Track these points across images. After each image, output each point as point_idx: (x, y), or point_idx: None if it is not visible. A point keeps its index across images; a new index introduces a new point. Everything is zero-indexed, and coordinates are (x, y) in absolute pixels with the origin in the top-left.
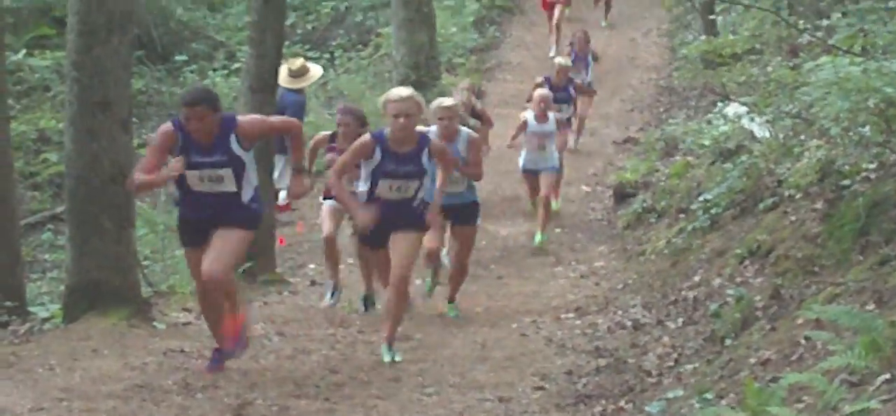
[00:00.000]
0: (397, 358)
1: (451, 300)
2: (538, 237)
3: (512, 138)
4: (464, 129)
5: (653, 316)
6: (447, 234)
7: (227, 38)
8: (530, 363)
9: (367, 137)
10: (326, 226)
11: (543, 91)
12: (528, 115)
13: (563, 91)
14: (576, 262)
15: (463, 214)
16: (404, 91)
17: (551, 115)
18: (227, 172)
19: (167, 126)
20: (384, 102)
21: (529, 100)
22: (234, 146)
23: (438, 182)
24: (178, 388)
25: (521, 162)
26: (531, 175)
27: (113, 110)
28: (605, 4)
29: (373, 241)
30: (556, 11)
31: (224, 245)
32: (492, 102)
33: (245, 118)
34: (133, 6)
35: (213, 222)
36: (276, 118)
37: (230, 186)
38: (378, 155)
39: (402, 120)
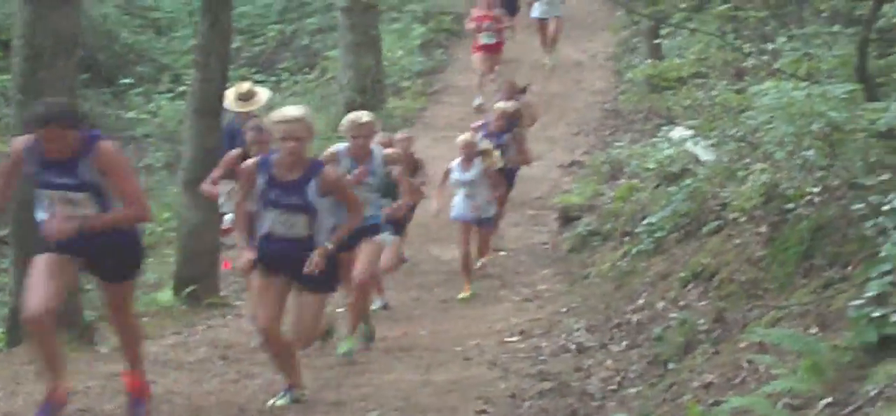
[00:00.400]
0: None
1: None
2: (463, 295)
3: (436, 195)
4: (376, 147)
5: (596, 339)
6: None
7: (173, 61)
8: (474, 386)
9: (251, 160)
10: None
11: (466, 136)
12: (454, 163)
13: (498, 137)
14: (520, 285)
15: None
16: (293, 111)
17: (477, 161)
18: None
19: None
20: (272, 123)
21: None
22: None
23: (342, 226)
24: (121, 412)
25: (451, 212)
26: (462, 224)
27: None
28: (550, 43)
29: (265, 275)
30: (482, 59)
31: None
32: (438, 124)
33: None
34: (78, 29)
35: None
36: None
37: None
38: (261, 181)
39: (290, 144)
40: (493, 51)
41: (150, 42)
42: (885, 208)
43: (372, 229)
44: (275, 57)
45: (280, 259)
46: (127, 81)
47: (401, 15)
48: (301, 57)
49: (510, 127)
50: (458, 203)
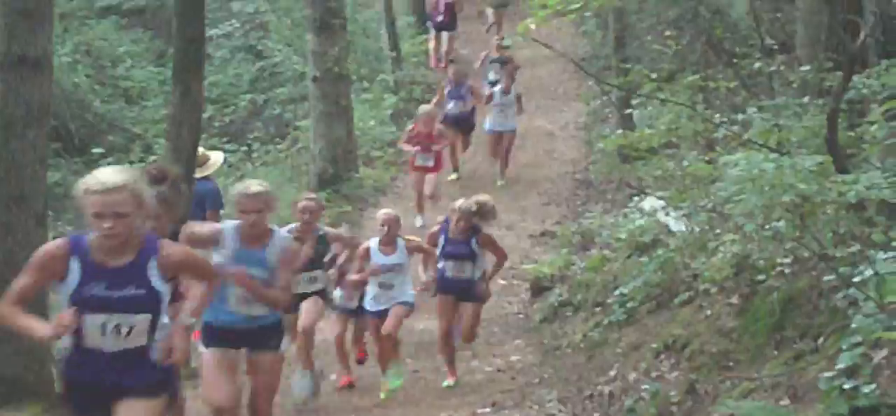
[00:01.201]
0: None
1: None
2: (391, 383)
3: (356, 272)
4: (279, 231)
5: (568, 410)
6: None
7: (145, 130)
8: None
9: (52, 244)
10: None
11: (389, 213)
12: (372, 242)
13: (464, 245)
14: (492, 356)
15: (260, 338)
16: (113, 178)
17: (400, 242)
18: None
19: None
20: (82, 191)
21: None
22: None
23: (191, 306)
24: None
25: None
26: (372, 315)
27: (28, 204)
28: (501, 162)
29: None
30: (427, 183)
31: None
32: (409, 194)
33: None
34: (50, 99)
35: None
36: None
37: None
38: (75, 273)
39: (107, 223)
40: (431, 172)
41: (121, 111)
42: (856, 279)
43: (273, 329)
44: (246, 126)
45: (104, 382)
46: (99, 150)
47: (371, 85)
48: (272, 126)
49: (475, 229)
50: (371, 292)
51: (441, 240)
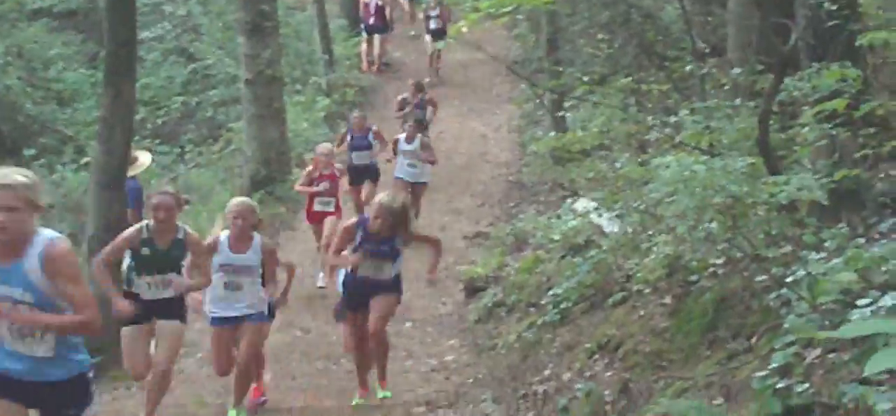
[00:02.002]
0: None
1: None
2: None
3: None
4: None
5: (503, 410)
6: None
7: (77, 132)
8: None
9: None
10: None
11: (243, 202)
12: (223, 235)
13: (387, 243)
14: (426, 356)
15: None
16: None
17: (257, 239)
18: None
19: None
20: None
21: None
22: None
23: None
24: None
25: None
26: (219, 326)
27: None
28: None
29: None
30: (326, 225)
31: None
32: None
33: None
34: None
35: None
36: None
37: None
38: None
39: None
40: (331, 215)
41: (53, 113)
42: (788, 279)
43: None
44: (179, 128)
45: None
46: (30, 152)
47: (304, 87)
48: (205, 128)
49: (395, 228)
50: (214, 296)
51: (358, 236)
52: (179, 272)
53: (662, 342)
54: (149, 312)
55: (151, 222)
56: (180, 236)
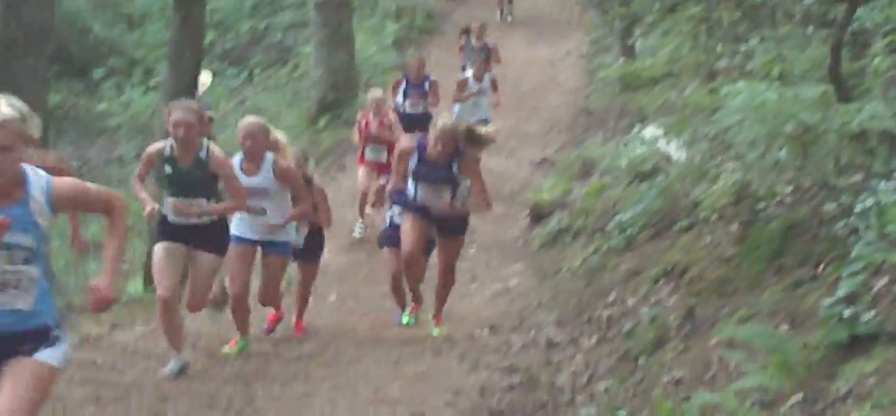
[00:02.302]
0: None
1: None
2: (228, 350)
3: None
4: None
5: (567, 334)
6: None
7: (145, 54)
8: (443, 379)
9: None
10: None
11: (250, 122)
12: (235, 159)
13: (444, 170)
14: (491, 280)
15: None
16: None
17: (268, 160)
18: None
19: None
20: None
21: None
22: None
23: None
24: (89, 400)
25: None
26: (237, 243)
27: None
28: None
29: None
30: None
31: None
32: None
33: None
34: (51, 23)
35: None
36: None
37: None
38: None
39: None
40: (380, 169)
41: (122, 36)
42: (857, 209)
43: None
44: (247, 52)
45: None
46: (99, 73)
47: (374, 12)
48: (273, 52)
49: (456, 153)
50: (238, 221)
51: (414, 160)
52: (211, 196)
53: (728, 269)
54: (182, 236)
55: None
56: (203, 155)
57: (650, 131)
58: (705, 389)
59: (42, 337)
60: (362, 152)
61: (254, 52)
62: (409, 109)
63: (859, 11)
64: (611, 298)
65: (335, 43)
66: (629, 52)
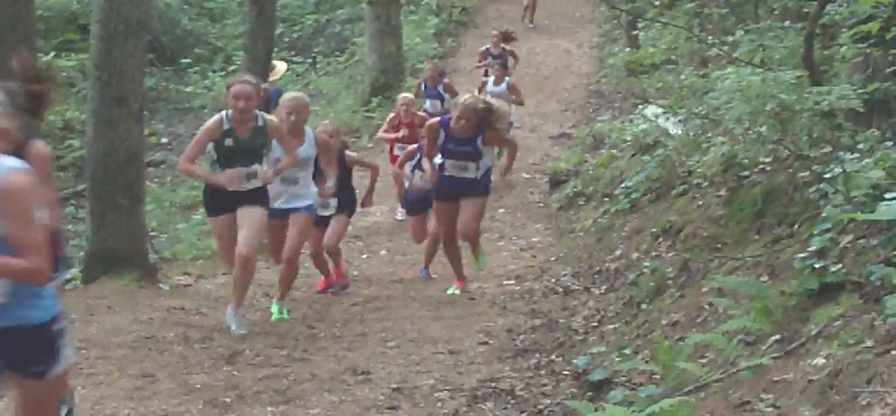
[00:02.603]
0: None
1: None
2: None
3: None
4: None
5: (580, 284)
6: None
7: (225, 44)
8: (477, 321)
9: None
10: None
11: (294, 98)
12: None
13: (470, 143)
14: (516, 237)
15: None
16: None
17: (309, 133)
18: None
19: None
20: None
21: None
22: None
23: None
24: (178, 340)
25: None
26: (274, 217)
27: (128, 105)
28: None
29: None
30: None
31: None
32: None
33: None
34: (146, 16)
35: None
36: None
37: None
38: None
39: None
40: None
41: (205, 28)
42: (827, 176)
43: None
44: (311, 42)
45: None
46: (186, 61)
47: (418, 8)
48: (333, 42)
49: (479, 128)
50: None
51: (441, 135)
52: (262, 162)
53: (717, 228)
54: (233, 202)
55: (231, 112)
56: (260, 123)
57: (651, 110)
58: (697, 330)
59: (36, 344)
60: (391, 150)
61: (316, 43)
62: (429, 110)
63: (828, 7)
64: (617, 252)
65: (385, 35)
66: (633, 42)
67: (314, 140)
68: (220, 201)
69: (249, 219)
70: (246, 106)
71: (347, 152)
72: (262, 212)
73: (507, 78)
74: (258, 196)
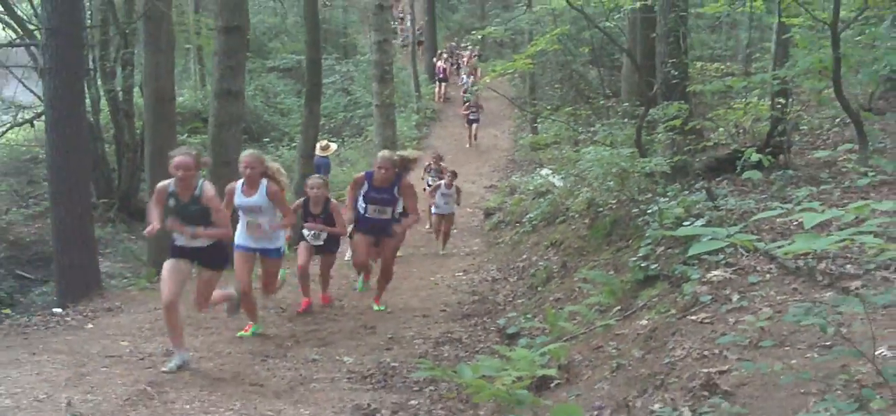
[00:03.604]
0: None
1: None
2: (243, 333)
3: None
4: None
5: (502, 275)
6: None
7: (289, 129)
8: (439, 297)
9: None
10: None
11: (249, 154)
12: (238, 183)
13: (386, 191)
14: (463, 247)
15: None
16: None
17: (263, 185)
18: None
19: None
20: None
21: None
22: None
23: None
24: (263, 307)
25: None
26: (240, 250)
27: (231, 167)
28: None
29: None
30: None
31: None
32: (421, 163)
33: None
34: (242, 112)
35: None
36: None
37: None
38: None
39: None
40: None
41: (278, 120)
42: (649, 211)
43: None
44: (342, 128)
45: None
46: (267, 140)
47: (405, 109)
48: (355, 129)
49: (397, 177)
50: (240, 233)
51: (365, 186)
52: (207, 224)
53: (583, 242)
54: (188, 256)
55: (173, 179)
56: (197, 192)
57: (545, 171)
58: (571, 303)
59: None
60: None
61: (345, 129)
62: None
63: (651, 111)
64: (524, 256)
65: (386, 125)
66: (535, 130)
67: (266, 190)
68: (176, 250)
69: (202, 281)
70: (184, 175)
71: (332, 202)
72: (214, 275)
73: (455, 185)
74: (212, 256)
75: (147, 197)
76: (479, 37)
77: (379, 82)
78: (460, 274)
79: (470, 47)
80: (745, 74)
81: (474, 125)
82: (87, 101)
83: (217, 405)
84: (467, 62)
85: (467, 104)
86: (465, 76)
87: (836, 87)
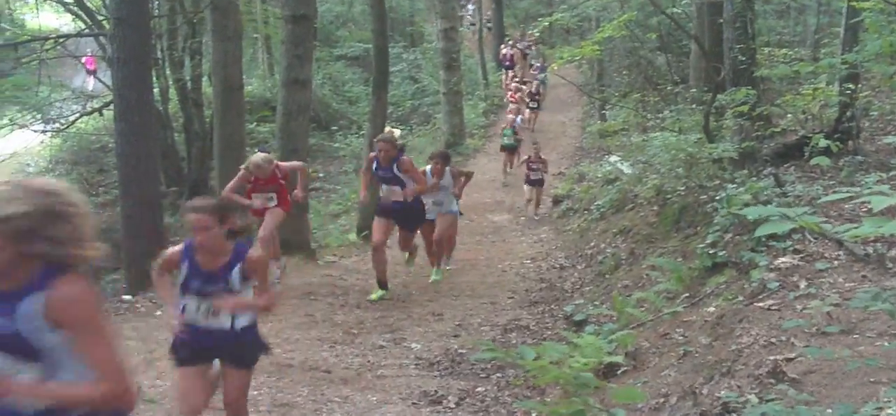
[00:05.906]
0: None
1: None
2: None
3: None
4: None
5: (570, 262)
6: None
7: (358, 118)
8: (506, 285)
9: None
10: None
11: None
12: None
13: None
14: (532, 234)
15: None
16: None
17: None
18: None
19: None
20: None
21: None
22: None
23: None
24: (328, 294)
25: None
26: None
27: (299, 154)
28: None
29: None
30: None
31: None
32: (490, 151)
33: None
34: (310, 101)
35: None
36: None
37: None
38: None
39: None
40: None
41: (346, 109)
42: (717, 198)
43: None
44: (410, 116)
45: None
46: (335, 128)
47: (472, 96)
48: (422, 117)
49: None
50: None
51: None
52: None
53: (652, 229)
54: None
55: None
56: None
57: (613, 158)
58: (639, 290)
59: None
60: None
61: (413, 117)
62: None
63: (719, 97)
64: (592, 244)
65: (453, 113)
66: (603, 117)
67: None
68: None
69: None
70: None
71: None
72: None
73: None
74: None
75: (216, 185)
76: (546, 23)
77: (446, 70)
78: (528, 261)
79: (531, 35)
80: (813, 60)
81: (533, 112)
82: (156, 90)
83: (285, 391)
84: (534, 46)
85: (528, 92)
86: (537, 67)
87: None
